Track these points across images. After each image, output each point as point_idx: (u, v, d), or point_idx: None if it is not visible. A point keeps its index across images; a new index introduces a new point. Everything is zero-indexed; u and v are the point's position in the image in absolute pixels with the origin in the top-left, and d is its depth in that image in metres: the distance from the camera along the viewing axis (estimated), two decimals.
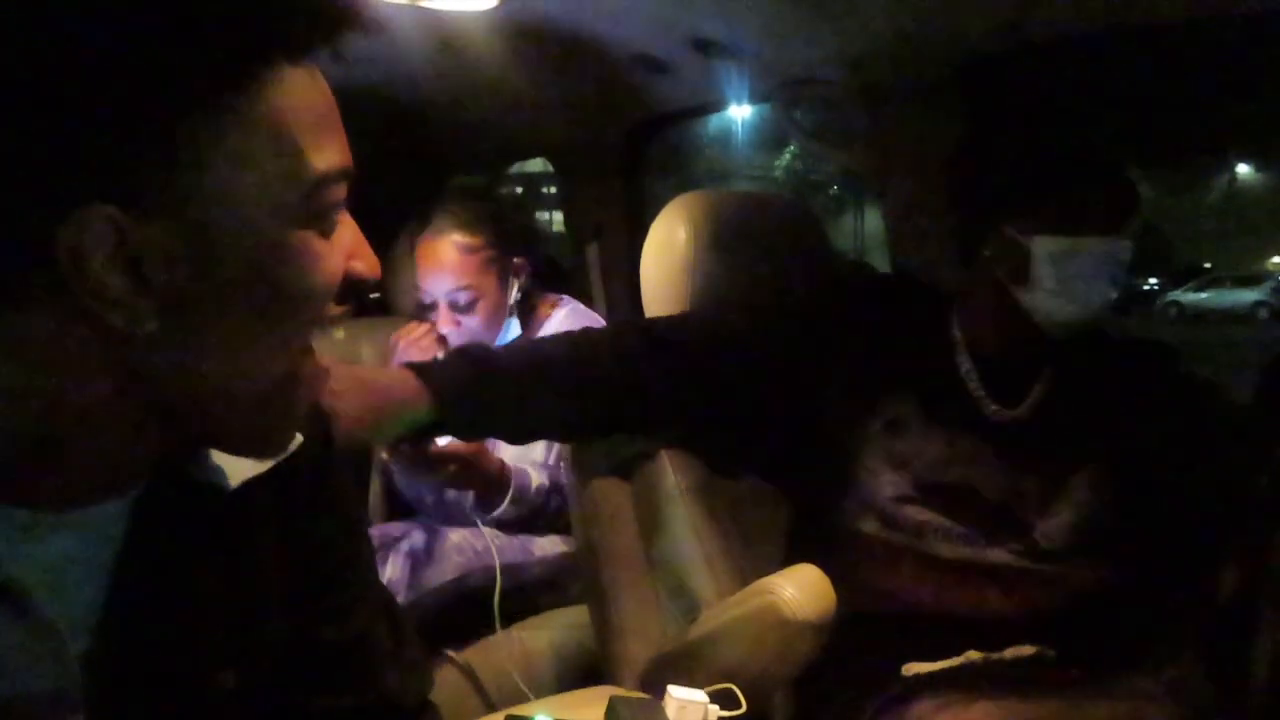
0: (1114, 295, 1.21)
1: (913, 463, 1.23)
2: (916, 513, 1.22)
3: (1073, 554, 1.20)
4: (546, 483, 1.69)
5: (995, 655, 1.16)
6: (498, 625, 1.55)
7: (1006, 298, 1.23)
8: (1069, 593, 1.20)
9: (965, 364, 1.28)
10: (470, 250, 1.71)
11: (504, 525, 1.67)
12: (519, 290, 1.78)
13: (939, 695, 1.10)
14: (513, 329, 1.79)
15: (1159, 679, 1.09)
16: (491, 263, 1.73)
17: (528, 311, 1.83)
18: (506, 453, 1.77)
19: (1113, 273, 1.19)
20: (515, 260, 1.77)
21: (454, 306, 1.72)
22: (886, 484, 1.23)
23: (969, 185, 1.28)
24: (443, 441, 1.62)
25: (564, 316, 1.83)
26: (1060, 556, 1.20)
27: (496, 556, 1.61)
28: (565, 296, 1.90)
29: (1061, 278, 1.18)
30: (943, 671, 1.15)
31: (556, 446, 1.72)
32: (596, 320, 1.87)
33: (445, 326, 1.74)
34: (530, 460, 1.74)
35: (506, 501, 1.65)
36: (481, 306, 1.72)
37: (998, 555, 1.20)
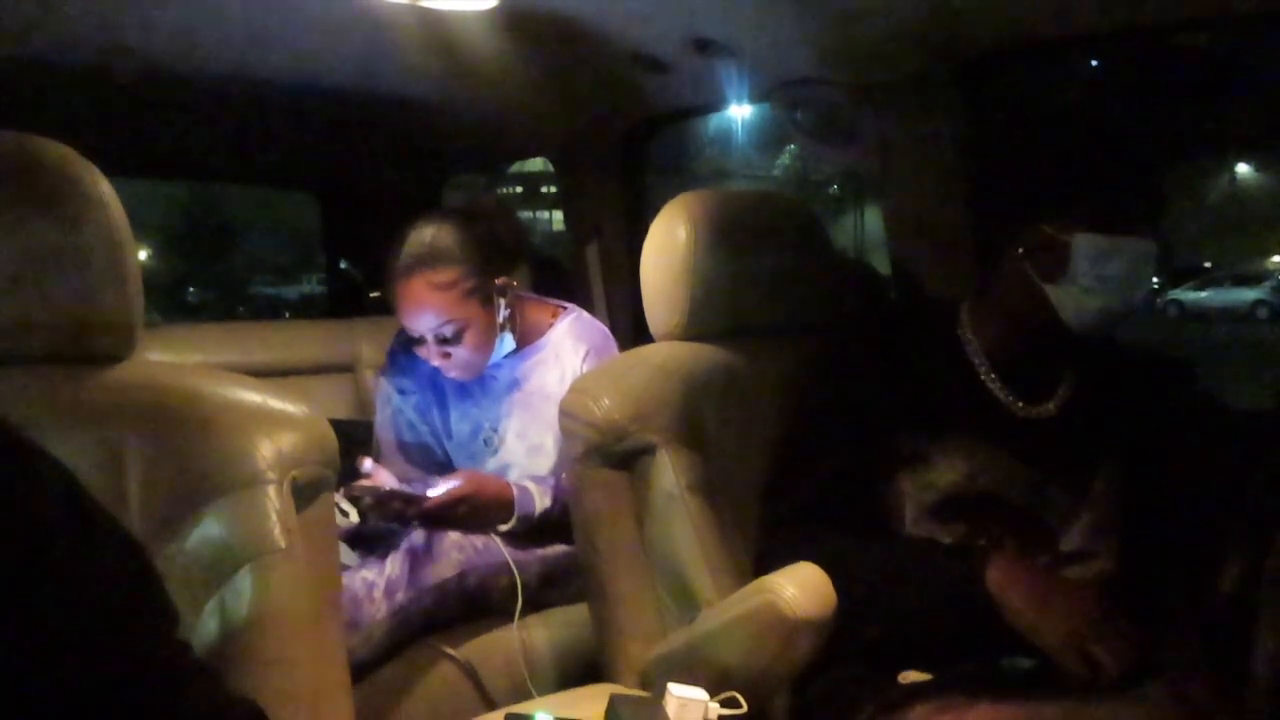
0: (1143, 295, 1.21)
1: (936, 483, 1.22)
2: (931, 530, 1.21)
3: (1086, 557, 1.20)
4: (550, 503, 1.66)
5: (994, 666, 1.15)
6: (517, 618, 1.57)
7: (1033, 295, 1.21)
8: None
9: (983, 365, 1.28)
10: (445, 286, 1.63)
11: (503, 536, 1.66)
12: (507, 307, 1.73)
13: (938, 698, 1.10)
14: (506, 344, 1.76)
15: (1159, 681, 1.08)
16: (471, 292, 1.66)
17: (525, 324, 1.79)
18: (513, 471, 1.76)
19: (1144, 273, 1.19)
20: (498, 281, 1.70)
21: (440, 340, 1.68)
22: (908, 504, 1.22)
23: (997, 183, 1.27)
24: (435, 491, 1.60)
25: (567, 328, 1.80)
26: (1074, 560, 1.20)
27: (508, 554, 1.61)
28: (569, 305, 1.86)
29: (1099, 275, 1.17)
30: (940, 679, 1.14)
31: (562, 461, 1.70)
32: (601, 330, 1.83)
33: (435, 360, 1.71)
34: (535, 473, 1.73)
35: (509, 527, 1.65)
36: (468, 335, 1.67)
37: None
